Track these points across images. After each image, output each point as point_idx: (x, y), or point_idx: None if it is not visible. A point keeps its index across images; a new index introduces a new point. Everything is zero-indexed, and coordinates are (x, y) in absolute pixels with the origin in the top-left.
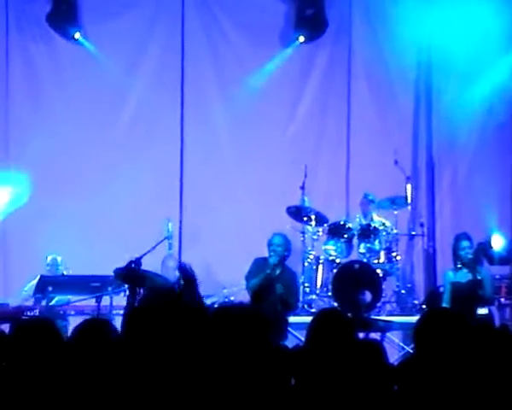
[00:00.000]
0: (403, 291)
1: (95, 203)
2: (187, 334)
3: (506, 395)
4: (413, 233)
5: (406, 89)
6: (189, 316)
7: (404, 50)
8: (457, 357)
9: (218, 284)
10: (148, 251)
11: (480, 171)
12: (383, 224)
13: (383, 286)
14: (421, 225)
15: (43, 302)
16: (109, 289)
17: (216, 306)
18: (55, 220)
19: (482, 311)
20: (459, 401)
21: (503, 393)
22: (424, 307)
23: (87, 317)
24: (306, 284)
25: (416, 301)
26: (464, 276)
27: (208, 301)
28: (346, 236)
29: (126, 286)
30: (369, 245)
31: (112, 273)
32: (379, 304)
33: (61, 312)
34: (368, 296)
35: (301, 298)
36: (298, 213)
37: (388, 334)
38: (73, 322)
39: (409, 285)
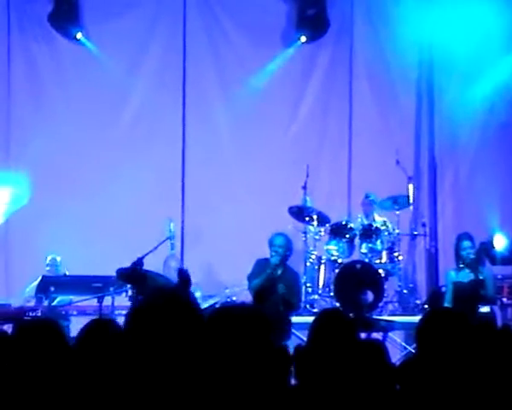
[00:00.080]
0: (405, 291)
1: (96, 203)
2: (189, 334)
3: (508, 395)
4: (415, 233)
5: (408, 88)
6: (192, 316)
7: (405, 50)
8: (460, 357)
9: (220, 284)
10: (150, 251)
11: (482, 170)
12: (385, 224)
13: (385, 286)
14: (423, 224)
15: (46, 303)
16: (111, 289)
17: (218, 306)
18: (57, 221)
19: (484, 309)
20: (461, 400)
21: (505, 392)
22: (426, 306)
23: (89, 317)
24: (308, 284)
25: (418, 301)
26: (466, 276)
27: (210, 302)
28: (347, 236)
29: (129, 286)
30: (370, 245)
31: (113, 274)
32: (381, 304)
33: (63, 312)
34: (370, 296)
35: (303, 298)
36: (300, 213)
37: (390, 334)
38: (75, 322)
39: (411, 285)
